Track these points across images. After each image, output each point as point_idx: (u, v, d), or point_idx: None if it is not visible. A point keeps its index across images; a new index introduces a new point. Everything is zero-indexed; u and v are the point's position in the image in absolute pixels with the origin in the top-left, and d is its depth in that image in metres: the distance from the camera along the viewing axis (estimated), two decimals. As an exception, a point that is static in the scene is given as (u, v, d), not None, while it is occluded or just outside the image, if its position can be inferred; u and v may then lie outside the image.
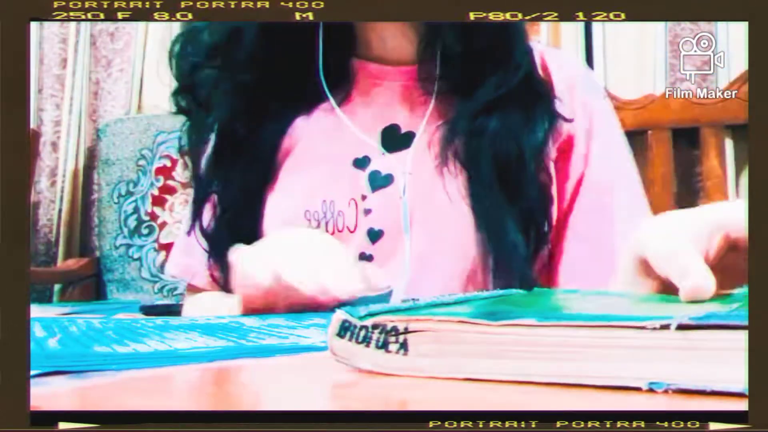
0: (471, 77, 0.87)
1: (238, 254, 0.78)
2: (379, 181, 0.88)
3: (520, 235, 0.84)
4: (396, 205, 0.86)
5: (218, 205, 0.91)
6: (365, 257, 0.87)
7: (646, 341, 0.41)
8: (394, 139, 0.90)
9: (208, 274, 0.92)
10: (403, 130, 0.90)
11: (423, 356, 0.47)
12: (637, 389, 0.41)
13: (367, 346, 0.48)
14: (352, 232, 0.87)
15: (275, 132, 0.91)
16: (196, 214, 0.92)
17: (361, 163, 0.89)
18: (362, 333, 0.48)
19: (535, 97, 0.88)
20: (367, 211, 0.87)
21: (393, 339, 0.47)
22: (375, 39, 0.92)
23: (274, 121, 0.91)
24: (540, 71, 0.90)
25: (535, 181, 0.86)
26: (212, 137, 0.92)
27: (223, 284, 0.88)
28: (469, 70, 0.87)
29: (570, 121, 0.89)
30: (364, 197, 0.87)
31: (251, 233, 0.87)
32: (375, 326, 0.47)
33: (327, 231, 0.86)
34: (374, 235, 0.87)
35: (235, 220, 0.89)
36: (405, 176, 0.87)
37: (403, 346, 0.47)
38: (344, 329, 0.48)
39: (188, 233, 0.94)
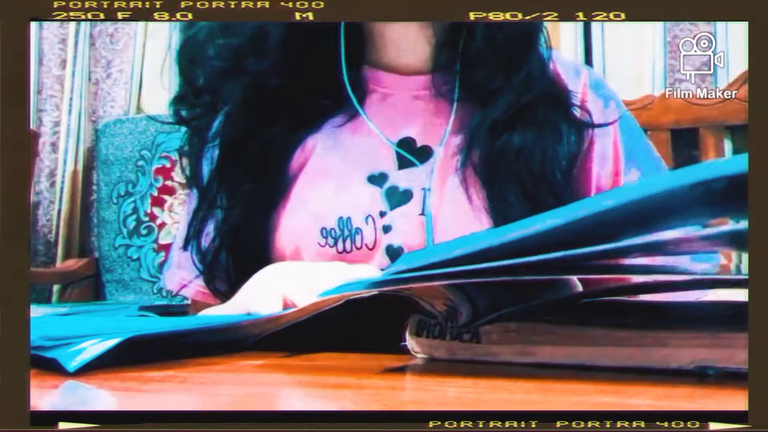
0: (492, 84, 0.84)
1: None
2: (398, 197, 0.84)
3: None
4: (415, 221, 0.83)
5: (223, 223, 0.86)
6: None
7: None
8: (410, 154, 0.86)
9: (207, 288, 0.88)
10: (419, 144, 0.86)
11: (495, 343, 0.52)
12: (688, 372, 0.45)
13: (443, 339, 0.54)
14: (370, 249, 0.83)
15: (288, 146, 0.87)
16: (197, 231, 0.88)
17: (377, 180, 0.85)
18: (437, 328, 0.54)
19: (556, 106, 0.86)
20: (387, 228, 0.83)
21: (465, 329, 0.53)
22: (387, 46, 0.88)
23: (286, 135, 0.87)
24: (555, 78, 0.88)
25: (561, 193, 0.84)
26: (216, 150, 0.89)
27: (224, 298, 0.84)
28: (490, 77, 0.84)
29: (595, 126, 0.86)
30: (382, 214, 0.84)
31: (259, 252, 0.84)
32: (448, 319, 0.54)
33: (345, 249, 0.83)
34: (394, 253, 0.83)
35: (243, 238, 0.85)
36: (423, 193, 0.84)
37: (476, 335, 0.53)
38: (420, 328, 0.55)
39: (184, 248, 0.89)
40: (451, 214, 0.83)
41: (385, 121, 0.87)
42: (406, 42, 0.87)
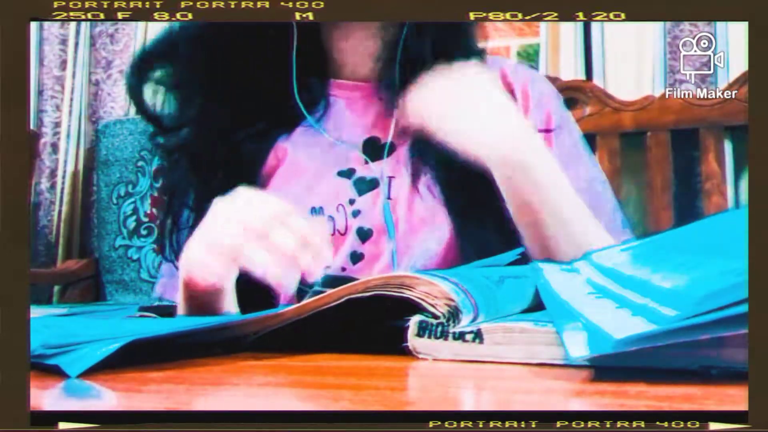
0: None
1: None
2: (365, 185, 0.93)
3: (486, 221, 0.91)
4: (381, 206, 0.92)
5: (195, 221, 0.90)
6: (356, 256, 0.92)
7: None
8: (375, 149, 0.95)
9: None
10: (383, 141, 0.96)
11: (497, 344, 0.54)
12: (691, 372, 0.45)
13: (446, 339, 0.55)
14: (343, 234, 0.92)
15: (259, 151, 0.95)
16: (176, 241, 0.93)
17: (346, 174, 0.94)
18: (439, 329, 0.55)
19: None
20: (356, 213, 0.92)
21: (467, 330, 0.55)
22: (341, 58, 0.98)
23: (256, 141, 0.95)
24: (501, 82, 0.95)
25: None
26: (181, 161, 0.94)
27: None
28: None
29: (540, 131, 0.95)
30: (352, 201, 0.93)
31: None
32: (450, 321, 0.55)
33: None
34: (364, 234, 0.92)
35: None
36: (388, 180, 0.93)
37: (478, 335, 0.54)
38: (422, 329, 0.56)
39: (168, 260, 0.95)
40: (408, 198, 0.92)
41: (349, 122, 0.97)
42: (353, 54, 0.97)
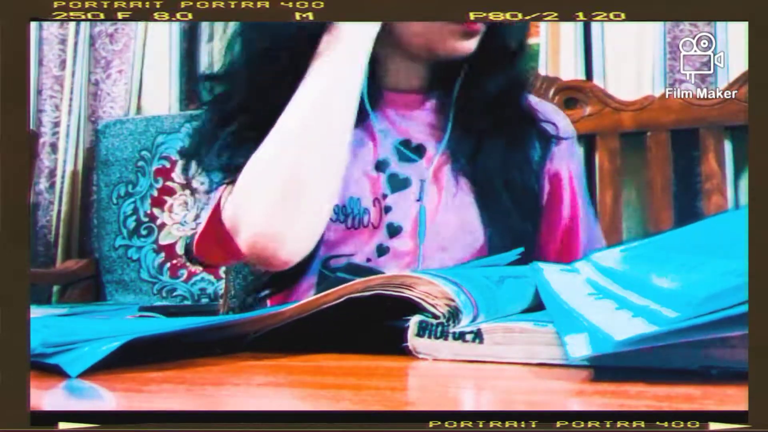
0: (480, 104, 1.00)
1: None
2: (398, 184, 0.98)
3: (518, 221, 0.98)
4: (413, 205, 0.97)
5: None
6: (382, 249, 0.96)
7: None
8: (407, 151, 1.00)
9: None
10: (414, 143, 1.00)
11: (497, 344, 0.54)
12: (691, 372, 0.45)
13: (446, 339, 0.55)
14: (375, 228, 0.96)
15: None
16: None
17: (381, 166, 0.99)
18: (439, 329, 0.56)
19: (527, 120, 1.03)
20: (387, 209, 0.97)
21: (468, 330, 0.55)
22: (393, 69, 1.01)
23: None
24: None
25: (531, 190, 1.01)
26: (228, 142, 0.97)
27: None
28: (479, 99, 1.00)
29: (561, 138, 1.04)
30: (384, 196, 0.97)
31: None
32: (450, 321, 0.56)
33: (353, 225, 0.96)
34: (393, 230, 0.97)
35: None
36: (421, 183, 0.98)
37: (478, 335, 0.55)
38: (422, 329, 0.56)
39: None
40: (442, 204, 0.97)
41: (389, 125, 1.02)
42: (406, 67, 1.01)
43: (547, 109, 1.09)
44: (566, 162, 1.05)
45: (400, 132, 1.02)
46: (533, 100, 1.09)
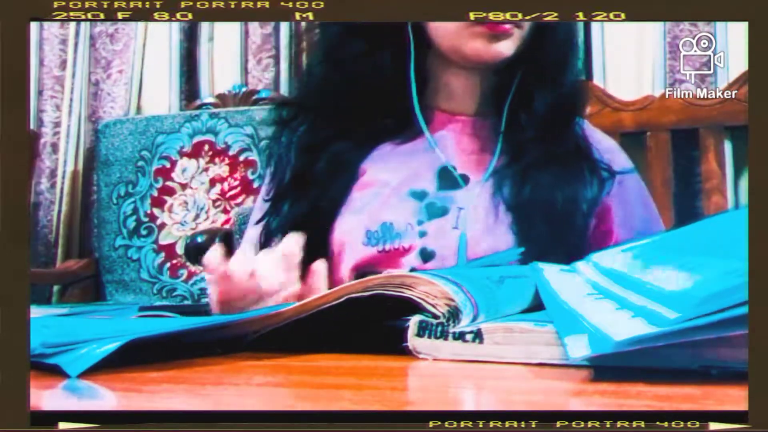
0: (531, 133, 0.99)
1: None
2: (436, 211, 0.97)
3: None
4: (449, 232, 0.96)
5: (287, 219, 0.99)
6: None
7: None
8: (449, 178, 0.99)
9: None
10: (458, 170, 0.99)
11: (497, 344, 0.54)
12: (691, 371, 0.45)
13: (446, 339, 0.55)
14: (406, 250, 0.95)
15: (360, 157, 1.01)
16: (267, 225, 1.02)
17: (418, 195, 0.98)
18: (439, 329, 0.56)
19: (582, 155, 1.02)
20: (422, 234, 0.96)
21: (468, 330, 0.55)
22: (444, 90, 1.02)
23: (361, 146, 1.01)
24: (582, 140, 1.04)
25: (579, 228, 0.98)
26: (293, 153, 1.01)
27: None
28: (531, 129, 0.99)
29: (615, 173, 1.03)
30: (420, 222, 0.97)
31: (315, 247, 0.93)
32: (450, 321, 0.56)
33: (384, 249, 0.96)
34: (427, 256, 0.96)
35: (311, 234, 0.95)
36: (458, 211, 0.97)
37: (478, 335, 0.55)
38: (422, 329, 0.56)
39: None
40: (480, 233, 0.95)
41: (438, 148, 1.01)
42: (462, 89, 1.02)
43: (601, 140, 1.08)
44: (620, 198, 1.03)
45: (445, 156, 1.00)
46: (588, 128, 1.07)
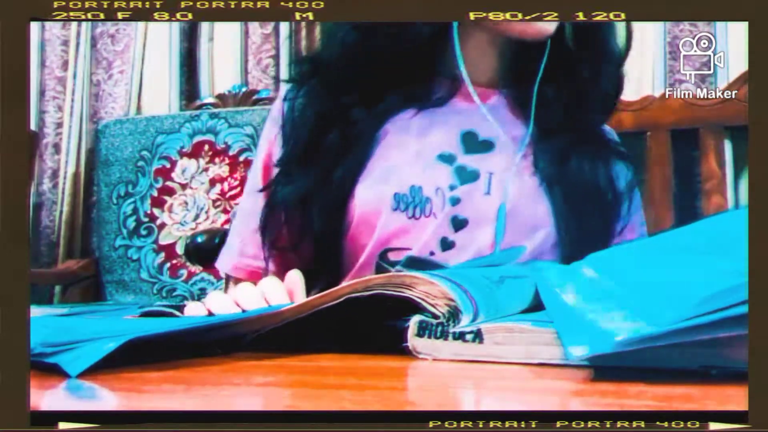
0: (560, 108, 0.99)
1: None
2: (467, 176, 0.95)
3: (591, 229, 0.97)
4: (482, 199, 0.94)
5: (298, 191, 0.96)
6: (447, 243, 0.93)
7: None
8: (474, 144, 0.98)
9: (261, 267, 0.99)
10: (481, 138, 0.98)
11: (497, 344, 0.54)
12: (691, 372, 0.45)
13: (446, 339, 0.55)
14: (437, 218, 0.93)
15: (379, 123, 0.98)
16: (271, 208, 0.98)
17: (447, 159, 0.96)
18: (439, 329, 0.56)
19: (604, 140, 1.04)
20: (455, 201, 0.94)
21: (468, 330, 0.55)
22: (468, 60, 0.99)
23: (381, 113, 0.98)
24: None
25: (611, 211, 0.99)
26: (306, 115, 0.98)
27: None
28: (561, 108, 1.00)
29: (628, 160, 1.05)
30: (452, 187, 0.94)
31: (338, 217, 0.94)
32: (450, 321, 0.56)
33: (414, 215, 0.93)
34: (459, 224, 0.93)
35: (325, 205, 0.95)
36: (488, 176, 0.95)
37: (478, 335, 0.55)
38: (422, 329, 0.56)
39: (257, 229, 0.99)
40: (515, 197, 0.94)
41: (458, 115, 0.99)
42: (482, 60, 1.00)
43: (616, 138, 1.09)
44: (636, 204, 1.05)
45: (469, 123, 0.99)
46: (607, 129, 1.09)
